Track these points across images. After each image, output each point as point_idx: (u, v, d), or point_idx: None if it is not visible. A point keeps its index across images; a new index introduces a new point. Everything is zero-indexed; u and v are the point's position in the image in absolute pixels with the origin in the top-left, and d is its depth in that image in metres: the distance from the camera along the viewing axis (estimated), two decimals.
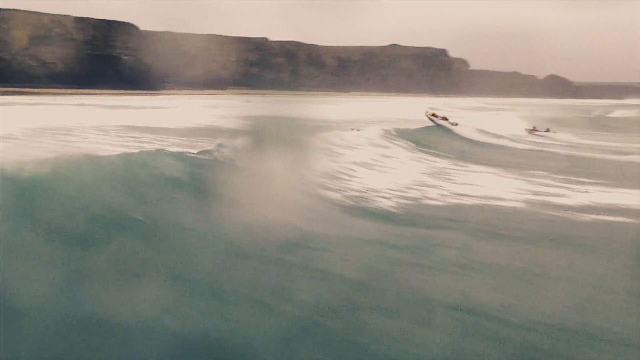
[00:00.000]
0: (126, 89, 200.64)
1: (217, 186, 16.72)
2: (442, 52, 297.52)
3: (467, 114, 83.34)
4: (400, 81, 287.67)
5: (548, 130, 52.08)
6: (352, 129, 37.76)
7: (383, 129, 37.92)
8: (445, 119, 46.45)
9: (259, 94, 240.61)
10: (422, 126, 46.13)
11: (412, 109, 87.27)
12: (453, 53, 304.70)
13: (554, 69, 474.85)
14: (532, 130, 52.18)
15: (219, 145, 21.06)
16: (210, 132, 51.25)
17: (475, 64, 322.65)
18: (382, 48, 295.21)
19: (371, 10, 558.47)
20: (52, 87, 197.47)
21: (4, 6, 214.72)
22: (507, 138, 47.60)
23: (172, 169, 17.55)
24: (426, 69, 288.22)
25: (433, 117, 47.41)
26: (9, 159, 14.09)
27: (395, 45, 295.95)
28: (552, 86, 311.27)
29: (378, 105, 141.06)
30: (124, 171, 16.11)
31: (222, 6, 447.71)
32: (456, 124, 45.38)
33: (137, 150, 20.31)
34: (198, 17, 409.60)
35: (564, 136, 50.93)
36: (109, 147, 36.13)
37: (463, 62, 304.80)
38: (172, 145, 36.11)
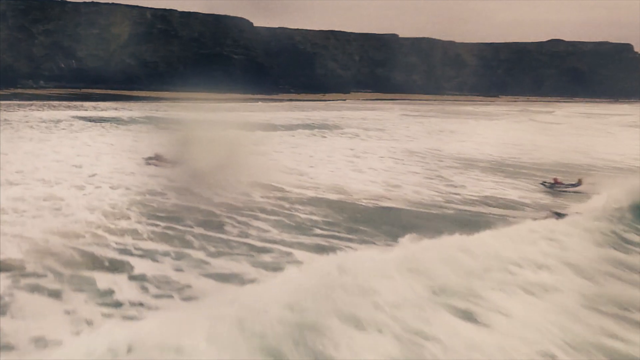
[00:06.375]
0: (236, 92, 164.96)
1: None
2: (626, 48, 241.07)
3: None
4: (563, 83, 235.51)
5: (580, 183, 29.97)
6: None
7: None
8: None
9: (387, 98, 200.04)
10: None
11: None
12: None
13: None
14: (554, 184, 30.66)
15: None
16: None
17: None
18: (539, 44, 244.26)
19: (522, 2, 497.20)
20: (153, 90, 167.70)
21: (103, 0, 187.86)
22: None
23: None
24: (601, 68, 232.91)
25: None
26: None
27: (556, 40, 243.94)
28: None
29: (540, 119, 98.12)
30: None
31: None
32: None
33: None
34: (317, 11, 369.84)
35: None
36: None
37: None
38: None
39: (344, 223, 22.73)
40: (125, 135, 56.46)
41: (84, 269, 17.31)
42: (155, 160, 35.62)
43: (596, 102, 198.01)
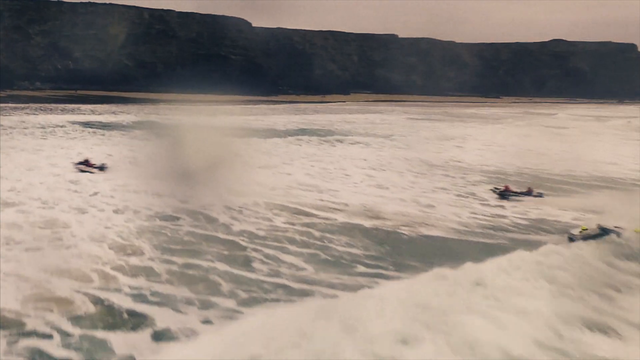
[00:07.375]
0: (234, 94, 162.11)
1: None
2: (629, 48, 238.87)
3: None
4: (565, 84, 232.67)
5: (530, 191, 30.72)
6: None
7: None
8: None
9: (387, 100, 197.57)
10: None
11: None
12: None
13: None
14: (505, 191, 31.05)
15: None
16: None
17: None
18: (541, 44, 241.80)
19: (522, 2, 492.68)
20: (150, 91, 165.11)
21: (100, 0, 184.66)
22: None
23: None
24: (604, 68, 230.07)
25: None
26: None
27: (558, 40, 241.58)
28: None
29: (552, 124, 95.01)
30: None
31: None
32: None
33: None
34: (315, 11, 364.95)
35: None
36: None
37: None
38: None
39: (389, 257, 19.92)
40: (124, 143, 53.45)
41: (95, 325, 14.46)
42: (83, 165, 36.53)
43: (599, 103, 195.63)
